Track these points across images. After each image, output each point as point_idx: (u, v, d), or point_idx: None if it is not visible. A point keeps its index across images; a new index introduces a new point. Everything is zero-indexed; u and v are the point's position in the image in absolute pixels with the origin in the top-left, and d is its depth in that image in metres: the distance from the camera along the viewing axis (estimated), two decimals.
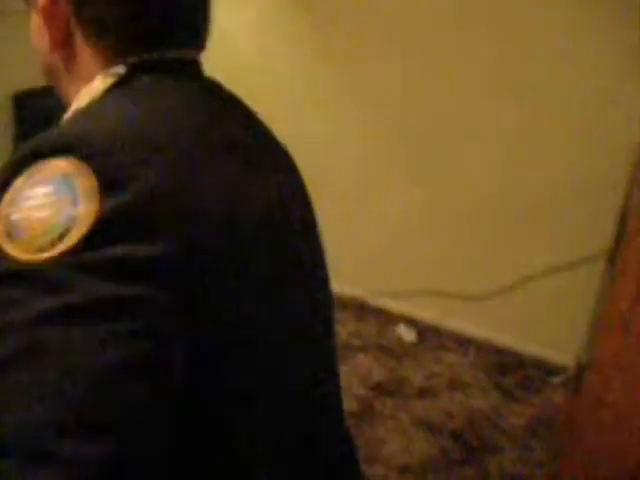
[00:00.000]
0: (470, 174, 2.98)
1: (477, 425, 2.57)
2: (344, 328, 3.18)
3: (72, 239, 0.60)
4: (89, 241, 0.60)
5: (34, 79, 2.92)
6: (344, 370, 2.85)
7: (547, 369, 3.00)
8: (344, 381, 2.74)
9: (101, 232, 0.61)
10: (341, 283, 3.46)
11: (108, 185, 0.63)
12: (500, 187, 2.93)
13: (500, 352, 3.11)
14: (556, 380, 2.91)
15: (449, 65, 2.89)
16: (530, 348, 3.08)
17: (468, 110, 2.90)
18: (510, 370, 2.99)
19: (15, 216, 0.62)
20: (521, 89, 2.78)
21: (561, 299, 2.94)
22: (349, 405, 2.62)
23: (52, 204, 0.62)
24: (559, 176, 2.78)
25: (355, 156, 3.27)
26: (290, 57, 3.31)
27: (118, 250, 0.61)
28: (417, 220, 3.19)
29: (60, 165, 0.64)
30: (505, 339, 3.13)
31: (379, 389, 2.75)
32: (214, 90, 0.90)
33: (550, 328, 3.00)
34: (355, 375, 2.83)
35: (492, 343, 3.16)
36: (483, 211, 3.00)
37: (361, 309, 3.37)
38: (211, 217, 0.70)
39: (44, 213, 0.62)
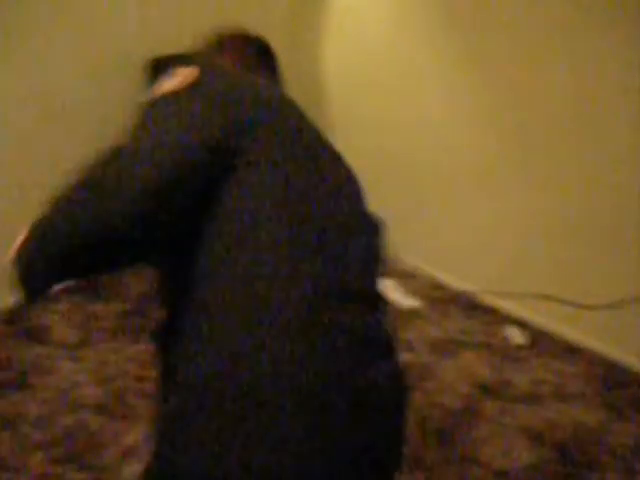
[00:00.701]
0: (600, 176, 2.87)
1: (581, 439, 2.52)
2: (453, 323, 3.17)
3: None
4: None
5: (172, 46, 3.04)
6: (449, 365, 2.86)
7: None
8: (449, 376, 2.75)
9: None
10: (452, 277, 3.45)
11: None
12: (634, 192, 2.82)
13: (611, 366, 3.03)
14: None
15: (582, 68, 2.78)
16: None
17: (599, 107, 2.79)
18: (620, 386, 2.91)
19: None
20: None
21: None
22: (452, 402, 2.63)
23: None
24: None
25: (473, 147, 3.22)
26: (415, 41, 3.27)
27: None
28: (536, 220, 3.12)
29: None
30: (618, 353, 3.04)
31: (484, 389, 2.74)
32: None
33: None
34: (461, 372, 2.82)
35: (604, 356, 3.08)
36: (613, 217, 2.90)
37: (471, 306, 3.34)
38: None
39: None
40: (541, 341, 3.14)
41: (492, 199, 3.22)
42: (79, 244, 0.90)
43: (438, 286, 3.46)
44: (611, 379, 2.94)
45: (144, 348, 2.71)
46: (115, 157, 0.95)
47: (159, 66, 3.00)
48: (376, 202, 3.28)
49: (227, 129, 1.01)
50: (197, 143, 0.98)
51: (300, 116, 1.15)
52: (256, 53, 1.36)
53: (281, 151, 1.05)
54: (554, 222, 3.05)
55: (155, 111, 1.03)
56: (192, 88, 1.04)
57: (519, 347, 3.05)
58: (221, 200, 1.00)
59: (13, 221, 2.67)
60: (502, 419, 2.57)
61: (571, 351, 3.10)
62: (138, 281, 3.21)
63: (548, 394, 2.77)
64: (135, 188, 0.91)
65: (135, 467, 2.13)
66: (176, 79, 1.06)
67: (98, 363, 2.61)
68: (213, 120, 1.01)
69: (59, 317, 2.87)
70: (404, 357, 2.86)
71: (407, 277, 3.50)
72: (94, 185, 0.92)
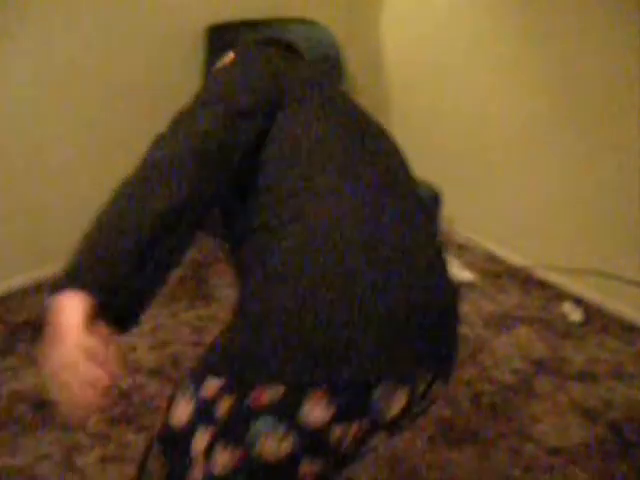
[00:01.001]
0: None
1: (636, 419, 2.48)
2: (509, 298, 3.14)
3: None
4: None
5: (226, 13, 3.04)
6: (504, 340, 2.83)
7: None
8: (503, 351, 2.73)
9: None
10: (508, 250, 3.41)
11: None
12: None
13: None
14: None
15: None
16: None
17: None
18: None
19: None
20: None
21: None
22: (506, 377, 2.61)
23: None
24: None
25: (531, 117, 3.15)
26: (477, 17, 3.20)
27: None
28: (596, 193, 3.05)
29: None
30: None
31: (538, 365, 2.71)
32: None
33: None
34: (515, 347, 2.80)
35: None
36: None
37: (526, 280, 3.30)
38: None
39: None
40: (598, 318, 3.09)
41: (549, 171, 3.16)
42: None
43: (493, 259, 3.42)
44: None
45: (199, 314, 2.74)
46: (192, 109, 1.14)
47: (219, 34, 3.00)
48: (431, 174, 3.26)
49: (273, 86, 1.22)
50: (257, 87, 1.19)
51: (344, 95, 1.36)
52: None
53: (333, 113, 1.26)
54: (616, 195, 2.98)
55: (219, 74, 1.24)
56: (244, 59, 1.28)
57: (575, 324, 3.01)
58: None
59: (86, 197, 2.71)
60: (556, 396, 2.55)
61: (629, 330, 3.04)
62: (193, 247, 3.24)
63: (604, 372, 2.73)
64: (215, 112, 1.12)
65: None
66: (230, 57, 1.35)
67: (154, 328, 2.65)
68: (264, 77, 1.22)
69: None
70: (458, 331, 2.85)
71: (461, 250, 3.47)
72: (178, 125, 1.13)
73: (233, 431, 1.02)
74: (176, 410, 1.09)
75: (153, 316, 2.71)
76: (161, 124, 1.15)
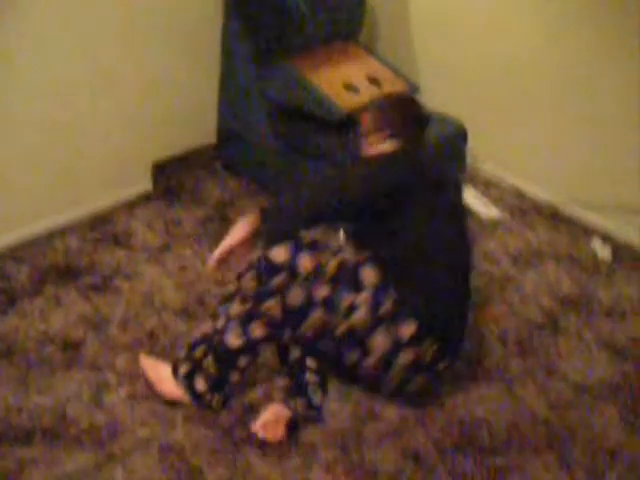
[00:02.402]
0: None
1: None
2: (536, 234, 3.09)
3: None
4: None
5: None
6: (531, 277, 2.81)
7: None
8: (531, 289, 2.71)
9: None
10: (535, 186, 3.35)
11: None
12: None
13: None
14: None
15: None
16: None
17: None
18: None
19: None
20: None
21: None
22: (533, 314, 2.59)
23: None
24: None
25: (557, 45, 3.06)
26: None
27: None
28: (620, 130, 2.98)
29: None
30: None
31: (566, 302, 2.69)
32: None
33: None
34: (543, 284, 2.77)
35: None
36: None
37: (555, 217, 3.25)
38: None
39: None
40: (627, 255, 3.04)
41: (579, 104, 3.08)
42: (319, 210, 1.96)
43: (520, 195, 3.37)
44: None
45: None
46: (343, 179, 2.04)
47: None
48: (457, 109, 3.19)
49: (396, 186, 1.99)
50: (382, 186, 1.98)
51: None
52: (409, 117, 2.24)
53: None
54: None
55: (363, 166, 2.16)
56: (384, 159, 2.13)
57: (603, 261, 2.96)
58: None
59: None
60: (584, 333, 2.53)
61: None
62: (217, 187, 3.22)
63: (632, 309, 2.70)
64: (353, 194, 1.95)
65: None
66: (373, 149, 2.20)
67: (179, 267, 2.66)
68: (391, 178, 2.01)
69: (141, 223, 2.92)
70: (485, 267, 2.82)
71: (488, 186, 3.41)
72: (329, 187, 2.03)
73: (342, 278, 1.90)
74: (276, 250, 1.89)
75: (178, 256, 2.72)
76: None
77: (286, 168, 3.01)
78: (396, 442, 2.00)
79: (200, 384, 1.97)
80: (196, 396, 1.98)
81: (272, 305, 1.87)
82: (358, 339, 1.89)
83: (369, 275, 1.91)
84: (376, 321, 1.88)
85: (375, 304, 1.88)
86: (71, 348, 2.24)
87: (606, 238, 3.11)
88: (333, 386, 2.16)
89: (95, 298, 2.47)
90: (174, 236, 2.84)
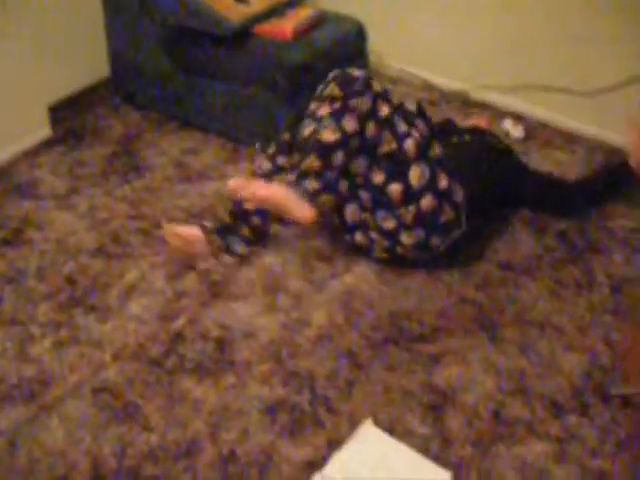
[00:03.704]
0: None
1: (584, 226, 2.51)
2: None
3: None
4: None
5: None
6: None
7: None
8: None
9: None
10: (442, 77, 3.33)
11: None
12: None
13: (611, 152, 2.97)
14: None
15: None
16: None
17: None
18: None
19: None
20: None
21: None
22: None
23: None
24: None
25: None
26: None
27: None
28: (524, 11, 2.97)
29: None
30: (617, 138, 2.98)
31: None
32: None
33: None
34: None
35: (603, 142, 3.01)
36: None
37: (466, 103, 3.24)
38: None
39: None
40: (539, 133, 3.07)
41: None
42: None
43: (429, 87, 3.34)
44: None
45: (134, 186, 2.66)
46: None
47: None
48: (354, 7, 3.11)
49: None
50: None
51: None
52: None
53: None
54: (543, 6, 2.91)
55: None
56: None
57: (517, 140, 2.98)
58: None
59: None
60: (505, 213, 2.55)
61: (570, 140, 3.04)
62: (119, 122, 3.10)
63: None
64: None
65: (139, 302, 2.14)
66: None
67: (90, 208, 2.57)
68: None
69: (45, 170, 2.80)
70: None
71: (395, 82, 3.37)
72: None
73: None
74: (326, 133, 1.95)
75: (87, 196, 2.62)
76: None
77: (187, 92, 2.91)
78: (329, 345, 2.01)
79: (313, 184, 1.97)
80: (311, 195, 1.98)
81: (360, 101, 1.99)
82: (397, 164, 2.05)
83: (423, 125, 2.13)
84: (421, 155, 2.06)
85: (425, 144, 2.08)
86: None
87: (518, 118, 3.12)
88: (260, 302, 2.14)
89: (7, 253, 2.37)
90: (81, 178, 2.74)
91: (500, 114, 3.14)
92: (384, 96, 2.04)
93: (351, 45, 2.88)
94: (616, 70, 2.84)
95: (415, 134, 2.06)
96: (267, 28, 2.71)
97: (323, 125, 1.96)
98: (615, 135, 2.95)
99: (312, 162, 1.95)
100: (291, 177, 2.00)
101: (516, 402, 1.87)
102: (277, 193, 1.97)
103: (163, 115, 3.09)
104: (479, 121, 2.62)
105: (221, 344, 2.00)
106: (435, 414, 1.82)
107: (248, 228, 2.21)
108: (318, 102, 2.03)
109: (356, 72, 2.04)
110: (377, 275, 2.25)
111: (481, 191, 2.27)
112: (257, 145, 2.53)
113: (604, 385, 1.92)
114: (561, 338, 2.07)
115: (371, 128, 2.00)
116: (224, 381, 1.89)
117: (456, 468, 1.69)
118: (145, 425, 1.78)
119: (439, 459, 1.71)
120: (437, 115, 3.08)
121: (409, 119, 2.08)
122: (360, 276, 2.26)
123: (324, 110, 1.98)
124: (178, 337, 2.03)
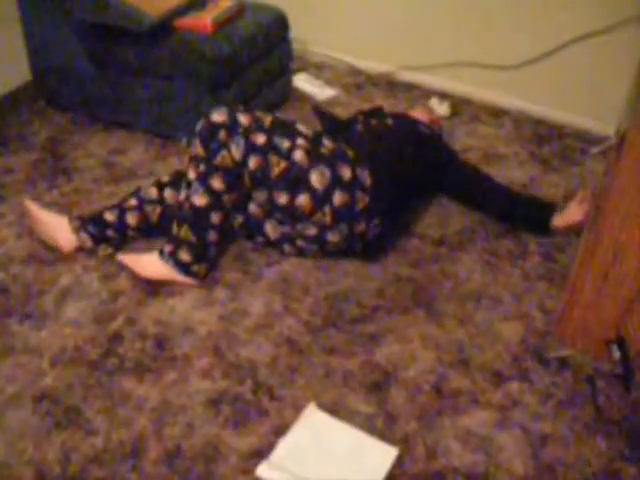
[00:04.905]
0: None
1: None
2: (373, 103, 3.10)
3: None
4: None
5: None
6: None
7: (587, 139, 2.93)
8: None
9: None
10: (367, 60, 3.35)
11: None
12: None
13: (537, 123, 3.04)
14: (596, 150, 2.85)
15: None
16: (568, 118, 3.00)
17: None
18: (548, 141, 2.93)
19: None
20: None
21: (600, 66, 2.82)
22: None
23: None
24: None
25: None
26: None
27: None
28: None
29: None
30: (542, 110, 3.04)
31: None
32: None
33: (589, 97, 2.90)
34: None
35: (528, 114, 3.08)
36: None
37: (391, 86, 3.27)
38: None
39: None
40: (466, 109, 3.12)
41: None
42: None
43: (354, 72, 3.36)
44: (539, 136, 2.96)
45: (63, 190, 2.61)
46: None
47: None
48: None
49: None
50: None
51: None
52: None
53: None
54: None
55: None
56: None
57: (444, 118, 3.02)
58: None
59: None
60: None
61: (496, 114, 3.09)
62: (44, 126, 3.04)
63: (478, 159, 2.78)
64: None
65: (75, 305, 2.11)
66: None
67: (19, 215, 2.51)
68: None
69: None
70: None
71: (319, 69, 3.38)
72: None
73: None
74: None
75: (16, 205, 2.57)
76: None
77: (112, 91, 2.86)
78: (267, 333, 2.01)
79: (184, 256, 2.10)
80: (183, 267, 2.11)
81: (223, 157, 2.02)
82: (295, 178, 2.04)
83: (304, 128, 2.14)
84: (314, 158, 2.06)
85: (313, 145, 2.09)
86: None
87: (444, 96, 3.17)
88: (196, 297, 2.13)
89: None
90: (7, 186, 2.67)
91: (427, 93, 3.18)
92: (256, 126, 2.04)
93: (273, 34, 2.87)
94: (540, 40, 2.89)
95: (300, 142, 2.07)
96: (187, 21, 2.69)
97: (193, 190, 2.06)
98: (542, 107, 3.01)
99: (186, 232, 2.09)
100: (168, 248, 2.12)
101: (457, 374, 1.90)
102: (159, 272, 2.14)
103: (89, 116, 3.03)
104: (417, 113, 2.63)
105: (160, 341, 1.98)
106: (378, 392, 1.84)
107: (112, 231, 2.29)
108: (188, 162, 2.11)
109: (219, 116, 2.04)
110: (313, 261, 2.26)
111: (400, 171, 2.27)
112: (183, 139, 2.52)
113: (541, 349, 1.97)
114: (497, 308, 2.11)
115: (254, 161, 2.03)
116: (165, 378, 1.88)
117: (402, 444, 1.71)
118: (88, 429, 1.76)
119: (385, 436, 1.73)
120: (364, 99, 3.12)
121: (288, 132, 2.07)
122: (295, 263, 2.26)
123: (192, 174, 2.07)
124: (116, 338, 2.00)
